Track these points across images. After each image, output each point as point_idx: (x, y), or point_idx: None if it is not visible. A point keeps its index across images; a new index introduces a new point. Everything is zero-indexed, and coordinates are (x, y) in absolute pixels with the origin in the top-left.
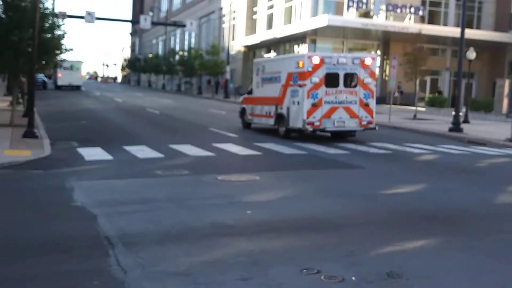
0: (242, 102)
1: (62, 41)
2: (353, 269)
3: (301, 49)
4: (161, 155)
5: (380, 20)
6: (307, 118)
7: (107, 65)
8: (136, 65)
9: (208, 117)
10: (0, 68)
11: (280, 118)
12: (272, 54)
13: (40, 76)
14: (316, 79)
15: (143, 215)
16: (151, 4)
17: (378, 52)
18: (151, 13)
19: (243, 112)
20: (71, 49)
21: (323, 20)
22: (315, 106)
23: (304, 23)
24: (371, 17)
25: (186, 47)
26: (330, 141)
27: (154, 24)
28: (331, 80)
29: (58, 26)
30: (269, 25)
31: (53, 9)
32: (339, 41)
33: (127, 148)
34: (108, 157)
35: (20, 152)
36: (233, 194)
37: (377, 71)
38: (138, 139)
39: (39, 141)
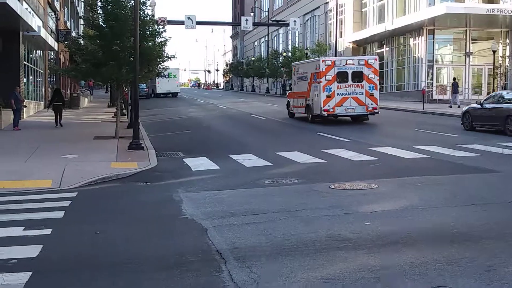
0: (287, 96)
1: (164, 48)
2: (493, 287)
3: (418, 42)
4: (268, 163)
5: (508, 5)
6: (323, 106)
7: (209, 71)
8: (238, 70)
9: (315, 122)
10: (103, 78)
11: (308, 108)
12: (385, 49)
13: (143, 86)
14: (329, 77)
15: (254, 227)
16: (252, 5)
17: (507, 40)
18: (252, 14)
19: (288, 104)
20: (173, 56)
21: (440, 8)
22: (329, 97)
23: (419, 13)
24: (497, 1)
25: (290, 47)
26: (452, 142)
27: (255, 25)
28: (341, 77)
29: (159, 33)
30: (380, 18)
31: (153, 15)
32: (461, 30)
33: (234, 156)
34: (215, 166)
35: (126, 164)
36: (349, 204)
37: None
38: (244, 146)
39: (144, 153)
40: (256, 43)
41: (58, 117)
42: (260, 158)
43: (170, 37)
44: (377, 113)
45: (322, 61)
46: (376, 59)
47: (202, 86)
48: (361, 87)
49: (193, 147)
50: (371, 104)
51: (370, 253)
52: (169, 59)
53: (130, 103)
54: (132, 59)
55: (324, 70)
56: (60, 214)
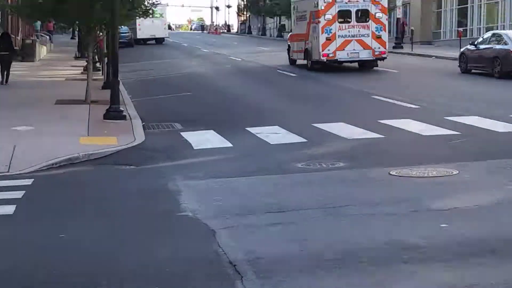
0: (288, 39)
1: None
2: None
3: None
4: (302, 139)
5: None
6: (322, 50)
7: (217, 8)
8: (259, 5)
9: (369, 79)
10: (68, 18)
11: (307, 52)
12: None
13: (124, 29)
14: (329, 16)
15: (281, 229)
16: None
17: None
18: None
19: (288, 49)
20: None
21: None
22: (329, 40)
23: None
24: None
25: None
26: None
27: None
28: (343, 16)
29: None
30: None
31: None
32: None
33: (253, 130)
34: (226, 144)
35: (102, 139)
36: (417, 198)
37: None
38: (267, 115)
39: (127, 124)
40: None
41: (5, 72)
42: (289, 132)
43: None
44: (385, 58)
45: None
46: None
47: (208, 30)
48: (367, 28)
49: (195, 117)
50: (378, 47)
51: (448, 266)
52: None
53: (106, 53)
54: None
55: (323, 8)
56: (10, 209)
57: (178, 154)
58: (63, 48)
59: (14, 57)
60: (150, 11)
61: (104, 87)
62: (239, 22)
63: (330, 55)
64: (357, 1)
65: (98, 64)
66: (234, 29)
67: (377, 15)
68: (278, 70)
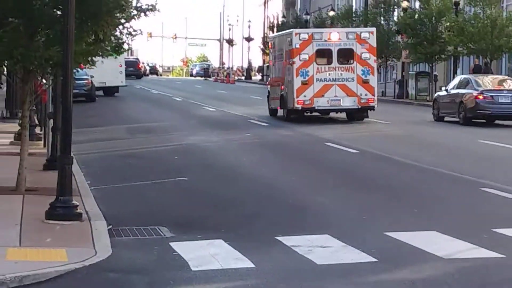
0: (268, 83)
1: None
2: None
3: None
4: (368, 258)
5: None
6: (297, 97)
7: (230, 42)
8: None
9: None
10: None
11: (282, 100)
12: None
13: (81, 74)
14: (305, 56)
15: None
16: None
17: None
18: None
19: (268, 96)
20: (151, 8)
21: None
22: (305, 84)
23: None
24: None
25: None
26: None
27: None
28: (323, 56)
29: None
30: None
31: None
32: None
33: (287, 240)
34: (244, 263)
35: (41, 254)
36: None
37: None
38: (310, 216)
39: (83, 227)
40: None
41: None
42: (346, 245)
43: None
44: (373, 107)
45: (296, 34)
46: (372, 32)
47: (215, 76)
48: (351, 71)
49: (193, 217)
50: (365, 94)
51: None
52: (141, 15)
53: (51, 113)
54: (58, 13)
55: (298, 46)
56: None
57: (166, 280)
58: None
59: None
60: (124, 46)
61: (47, 167)
62: (266, 64)
63: (307, 103)
64: (339, 39)
65: (38, 130)
66: (258, 75)
67: (363, 55)
68: (329, 144)
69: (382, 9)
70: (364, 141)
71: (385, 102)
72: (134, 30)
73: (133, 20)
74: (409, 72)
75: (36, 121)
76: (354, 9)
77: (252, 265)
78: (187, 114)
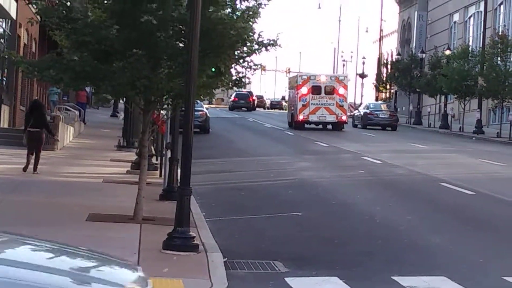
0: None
1: (253, 23)
2: None
3: None
4: None
5: None
6: (299, 113)
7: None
8: (411, 76)
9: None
10: (115, 87)
11: (292, 116)
12: None
13: (198, 105)
14: (305, 89)
15: None
16: None
17: None
18: None
19: (288, 115)
20: (273, 43)
21: None
22: (304, 106)
23: None
24: None
25: None
26: None
27: None
28: (315, 90)
29: None
30: None
31: None
32: None
33: (402, 279)
34: None
35: (159, 283)
36: None
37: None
38: (426, 256)
39: (199, 259)
40: (455, 17)
41: (34, 154)
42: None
43: (263, 5)
44: (345, 122)
45: (300, 76)
46: (346, 76)
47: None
48: (332, 99)
49: (307, 252)
50: (341, 114)
51: None
52: (262, 49)
53: (169, 144)
54: (181, 45)
55: (300, 83)
56: None
57: None
58: (99, 132)
59: (51, 133)
60: (245, 80)
61: (163, 197)
62: (379, 101)
63: (305, 117)
64: (326, 80)
65: (154, 160)
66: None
67: (340, 90)
68: (444, 185)
69: (499, 49)
70: (479, 183)
71: (500, 144)
72: (255, 65)
73: (254, 54)
74: None
75: (153, 151)
76: (470, 49)
77: None
78: (300, 148)
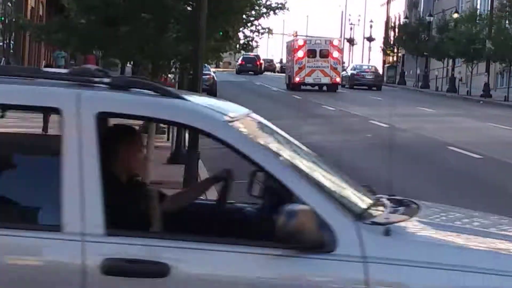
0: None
1: None
2: None
3: None
4: None
5: None
6: (295, 75)
7: (351, 41)
8: (419, 40)
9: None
10: (123, 51)
11: (288, 78)
12: None
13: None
14: (301, 53)
15: None
16: None
17: None
18: None
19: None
20: (280, 7)
21: None
22: (300, 69)
23: None
24: None
25: None
26: None
27: None
28: (311, 53)
29: None
30: None
31: None
32: None
33: None
34: None
35: None
36: None
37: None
38: None
39: None
40: None
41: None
42: None
43: None
44: (339, 83)
45: (296, 40)
46: (339, 40)
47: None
48: (327, 62)
49: None
50: (335, 75)
51: None
52: (270, 13)
53: None
54: (189, 9)
55: (297, 47)
56: None
57: None
58: None
59: None
60: (252, 43)
61: (171, 161)
62: (386, 64)
63: (301, 79)
64: (320, 44)
65: (162, 124)
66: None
67: (334, 54)
68: (451, 148)
69: (507, 13)
70: (487, 146)
71: (508, 107)
72: (263, 28)
73: (261, 18)
74: None
75: None
76: (478, 12)
77: None
78: (307, 112)
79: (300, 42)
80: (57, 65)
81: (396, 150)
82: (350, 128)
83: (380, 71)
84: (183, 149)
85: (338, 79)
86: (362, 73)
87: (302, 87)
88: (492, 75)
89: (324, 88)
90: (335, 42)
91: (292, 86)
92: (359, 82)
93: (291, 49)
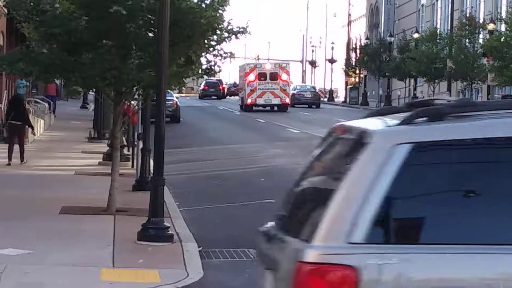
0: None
1: (222, 10)
2: None
3: None
4: None
5: None
6: (247, 97)
7: (313, 63)
8: (380, 60)
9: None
10: (85, 79)
11: (241, 99)
12: None
13: (169, 95)
14: (252, 76)
15: None
16: None
17: None
18: None
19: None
20: (242, 31)
21: None
22: (252, 91)
23: None
24: None
25: (504, 12)
26: None
27: None
28: (261, 76)
29: None
30: None
31: None
32: None
33: None
34: None
35: (134, 274)
36: None
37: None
38: None
39: (174, 249)
40: (422, 0)
41: (19, 147)
42: None
43: None
44: (288, 104)
45: (247, 64)
46: (288, 64)
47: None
48: (276, 84)
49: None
50: (284, 97)
51: None
52: (232, 37)
53: (140, 134)
54: (151, 35)
55: (248, 71)
56: None
57: None
58: (69, 124)
59: (29, 126)
60: (215, 68)
61: (136, 188)
62: (348, 86)
63: (252, 100)
64: (270, 68)
65: (126, 151)
66: (340, 96)
67: (283, 76)
68: None
69: (467, 32)
70: None
71: None
72: (225, 53)
73: (224, 42)
74: (495, 95)
75: (125, 142)
76: (438, 32)
77: None
78: (271, 136)
79: (251, 66)
80: (17, 92)
81: None
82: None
83: (322, 91)
84: (148, 175)
85: (287, 100)
86: (302, 92)
87: (254, 107)
88: (454, 94)
89: (275, 108)
90: (284, 65)
91: (245, 108)
92: (299, 101)
93: (243, 73)
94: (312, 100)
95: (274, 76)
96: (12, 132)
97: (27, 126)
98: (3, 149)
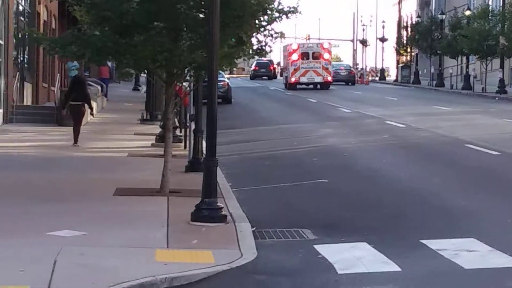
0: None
1: None
2: None
3: None
4: None
5: None
6: (291, 76)
7: (364, 42)
8: (432, 38)
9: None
10: (137, 61)
11: (286, 78)
12: None
13: (220, 76)
14: (295, 55)
15: None
16: None
17: None
18: None
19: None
20: (292, 10)
21: None
22: (295, 70)
23: None
24: None
25: None
26: None
27: None
28: (304, 56)
29: None
30: None
31: None
32: None
33: (432, 243)
34: (390, 266)
35: (189, 255)
36: None
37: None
38: (454, 219)
39: (228, 229)
40: None
41: (75, 128)
42: (494, 249)
43: None
44: (331, 82)
45: (291, 44)
46: (330, 43)
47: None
48: (319, 63)
49: (336, 219)
50: (326, 75)
51: None
52: (283, 17)
53: (193, 115)
54: (202, 16)
55: (291, 51)
56: None
57: (313, 283)
58: (121, 106)
59: (90, 108)
60: (266, 48)
61: (189, 169)
62: (400, 64)
63: (296, 79)
64: (312, 47)
65: (179, 132)
66: (391, 75)
67: (325, 55)
68: (469, 146)
69: None
70: (505, 143)
71: None
72: (276, 33)
73: (274, 22)
74: None
75: (177, 123)
76: (490, 8)
77: (399, 269)
78: (323, 115)
79: (294, 46)
80: (69, 76)
81: (414, 149)
82: (367, 129)
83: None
84: (201, 156)
85: (329, 78)
86: (338, 71)
87: (298, 86)
88: (507, 71)
89: (318, 86)
90: (325, 45)
91: (289, 86)
92: (335, 78)
93: (286, 53)
94: (347, 78)
95: (316, 55)
96: (75, 113)
97: (87, 106)
98: (58, 131)
